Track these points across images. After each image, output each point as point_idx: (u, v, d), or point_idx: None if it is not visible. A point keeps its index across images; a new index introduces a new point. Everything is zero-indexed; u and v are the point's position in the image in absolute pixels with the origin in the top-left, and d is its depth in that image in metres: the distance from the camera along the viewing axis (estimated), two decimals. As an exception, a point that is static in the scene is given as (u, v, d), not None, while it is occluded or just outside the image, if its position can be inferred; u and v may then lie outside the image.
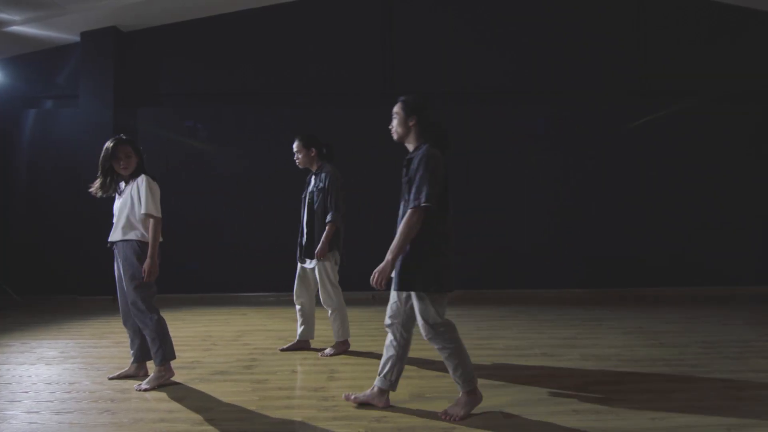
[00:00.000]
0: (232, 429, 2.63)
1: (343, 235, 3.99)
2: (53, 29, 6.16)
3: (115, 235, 3.27)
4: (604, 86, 6.69)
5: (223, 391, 3.16)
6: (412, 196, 2.63)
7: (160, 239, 3.35)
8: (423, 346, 4.15)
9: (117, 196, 3.33)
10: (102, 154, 3.24)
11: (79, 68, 6.44)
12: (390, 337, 2.89)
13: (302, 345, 4.08)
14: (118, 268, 3.31)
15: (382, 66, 6.65)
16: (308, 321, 4.06)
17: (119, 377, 3.38)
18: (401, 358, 2.87)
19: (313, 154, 3.97)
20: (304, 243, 3.96)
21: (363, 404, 2.88)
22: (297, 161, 4.02)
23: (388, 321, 2.89)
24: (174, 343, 3.73)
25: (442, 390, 3.13)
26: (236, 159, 6.53)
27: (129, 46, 6.58)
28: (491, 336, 4.46)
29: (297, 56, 6.62)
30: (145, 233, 3.24)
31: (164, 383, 3.25)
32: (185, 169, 6.51)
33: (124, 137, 3.32)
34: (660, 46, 6.71)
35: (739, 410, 2.78)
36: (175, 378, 3.36)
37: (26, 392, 3.15)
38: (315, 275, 3.91)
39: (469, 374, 2.72)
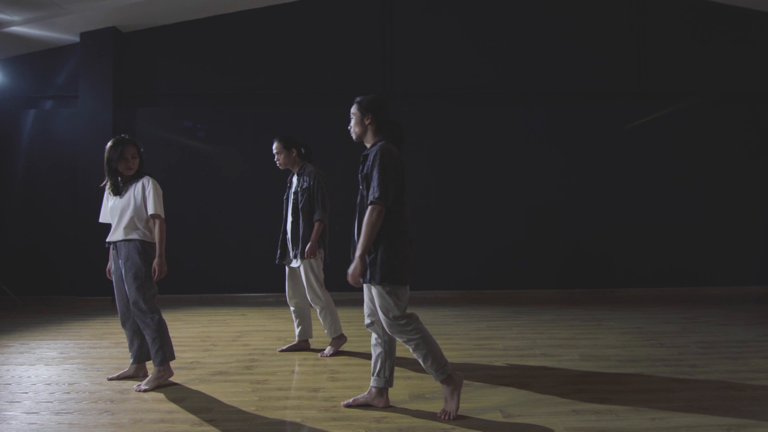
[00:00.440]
0: (231, 429, 2.63)
1: (329, 233, 4.00)
2: (53, 30, 6.16)
3: (116, 235, 3.27)
4: (601, 87, 6.70)
5: (223, 392, 3.16)
6: (370, 193, 2.68)
7: None
8: (423, 346, 4.15)
9: (111, 196, 3.32)
10: (107, 155, 3.24)
11: (78, 68, 6.44)
12: (374, 335, 2.91)
13: (302, 345, 4.08)
14: (118, 268, 3.30)
15: (381, 66, 6.66)
16: (305, 320, 4.07)
17: (119, 378, 3.38)
18: (390, 354, 2.89)
19: (293, 155, 3.98)
20: (289, 244, 3.97)
21: (363, 406, 2.88)
22: (277, 163, 4.01)
23: (367, 321, 2.91)
24: (173, 343, 3.73)
25: (442, 390, 3.13)
26: (235, 159, 6.53)
27: (128, 46, 6.59)
28: (491, 336, 4.46)
29: (296, 56, 6.63)
30: (147, 233, 3.25)
31: (163, 384, 3.25)
32: (184, 169, 6.51)
33: (127, 137, 3.32)
34: (658, 47, 6.72)
35: (738, 410, 2.78)
36: (175, 379, 3.36)
37: (26, 393, 3.15)
38: (301, 274, 3.91)
39: (440, 362, 2.73)
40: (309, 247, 3.79)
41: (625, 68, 6.70)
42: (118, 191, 3.28)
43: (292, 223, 3.94)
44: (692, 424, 2.62)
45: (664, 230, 6.57)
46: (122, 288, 3.30)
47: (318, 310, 3.93)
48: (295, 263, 3.96)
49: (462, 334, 4.54)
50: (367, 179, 2.72)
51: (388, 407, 2.85)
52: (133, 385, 3.25)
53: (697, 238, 6.56)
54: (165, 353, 3.24)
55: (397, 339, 2.78)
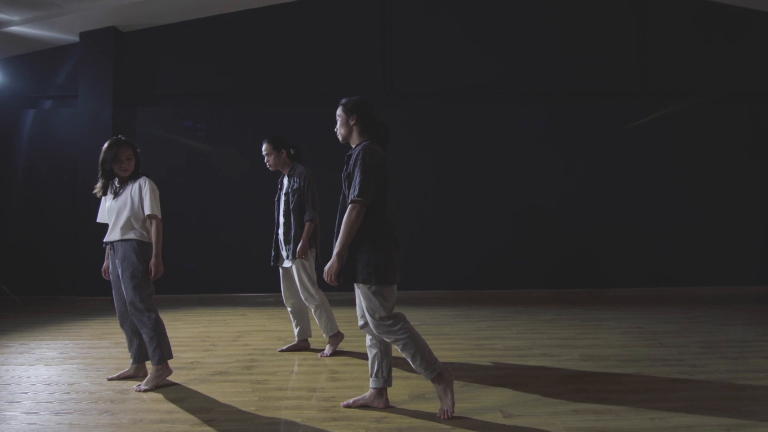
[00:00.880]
0: (231, 429, 2.63)
1: (320, 233, 4.00)
2: (52, 29, 6.16)
3: (113, 236, 3.28)
4: (601, 87, 6.70)
5: (223, 392, 3.16)
6: (350, 191, 2.69)
7: None
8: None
9: (108, 196, 3.33)
10: (102, 156, 3.25)
11: (78, 68, 6.44)
12: (368, 337, 2.90)
13: (302, 345, 4.08)
14: (115, 269, 3.31)
15: (381, 66, 6.66)
16: (302, 320, 4.07)
17: (119, 378, 3.38)
18: (386, 354, 2.89)
19: (283, 156, 3.99)
20: (281, 245, 3.97)
21: (362, 406, 2.88)
22: (267, 164, 4.02)
23: (361, 322, 2.90)
24: (173, 343, 3.73)
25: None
26: (235, 159, 6.53)
27: (128, 46, 6.59)
28: (491, 336, 4.46)
29: (296, 56, 6.63)
30: (144, 233, 3.26)
31: (163, 383, 3.25)
32: (184, 169, 6.51)
33: (124, 138, 3.32)
34: (658, 47, 6.72)
35: (738, 410, 2.78)
36: (175, 379, 3.36)
37: (25, 393, 3.15)
38: (294, 275, 3.91)
39: (429, 361, 2.72)
40: (300, 247, 3.79)
41: (625, 68, 6.70)
42: (106, 192, 3.31)
43: (284, 224, 3.95)
44: (692, 424, 2.62)
45: (664, 230, 6.57)
46: (120, 288, 3.30)
47: (312, 309, 3.93)
48: (287, 263, 3.96)
49: (462, 334, 4.54)
50: (350, 179, 2.73)
51: (387, 407, 2.85)
52: (133, 385, 3.25)
53: (697, 238, 6.56)
54: (162, 352, 3.24)
55: (386, 340, 2.78)
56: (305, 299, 3.91)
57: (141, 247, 3.24)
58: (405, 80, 6.66)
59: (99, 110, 6.34)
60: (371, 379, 2.89)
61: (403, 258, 2.88)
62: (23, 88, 6.60)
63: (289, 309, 4.07)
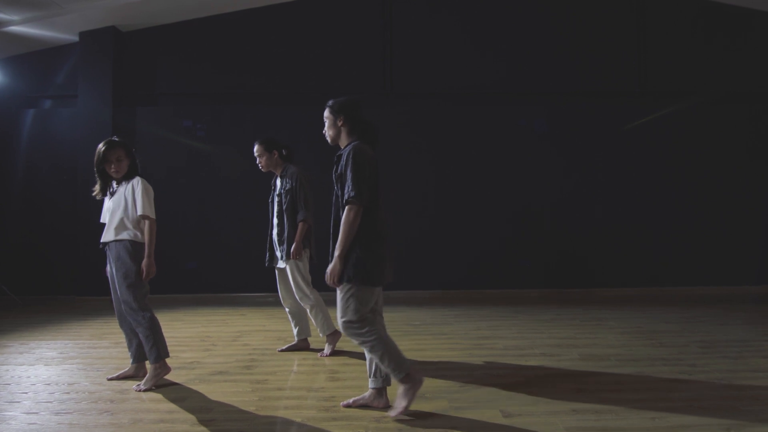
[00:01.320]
0: (231, 429, 2.62)
1: (313, 233, 3.99)
2: (52, 29, 6.16)
3: (107, 236, 3.28)
4: (601, 87, 6.70)
5: (223, 392, 3.16)
6: (345, 192, 2.67)
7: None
8: (420, 346, 4.16)
9: (108, 197, 3.34)
10: (95, 158, 3.27)
11: (77, 68, 6.44)
12: None
13: (301, 345, 4.08)
14: (111, 269, 3.31)
15: (381, 66, 6.66)
16: (301, 320, 4.07)
17: (118, 378, 3.38)
18: (387, 349, 2.85)
19: (275, 157, 3.98)
20: (276, 245, 3.97)
21: (362, 406, 2.88)
22: (260, 165, 4.02)
23: None
24: (173, 343, 3.73)
25: (443, 390, 3.13)
26: (235, 159, 6.53)
27: (128, 45, 6.58)
28: (491, 336, 4.46)
29: (296, 56, 6.63)
30: (138, 233, 3.25)
31: (161, 382, 3.25)
32: (184, 169, 6.51)
33: (116, 139, 3.33)
34: (658, 47, 6.72)
35: (738, 410, 2.78)
36: (175, 378, 3.36)
37: (25, 393, 3.15)
38: (288, 275, 3.92)
39: (398, 361, 2.69)
40: (294, 248, 3.79)
41: (625, 68, 6.70)
42: (105, 193, 3.32)
43: (278, 225, 3.95)
44: (692, 424, 2.62)
45: (664, 230, 6.57)
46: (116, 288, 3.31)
47: (308, 309, 3.93)
48: (282, 264, 3.96)
49: (462, 334, 4.54)
50: (341, 179, 2.72)
51: (388, 407, 2.85)
52: (132, 384, 3.25)
53: (697, 238, 6.56)
54: (159, 350, 3.24)
55: (353, 342, 2.74)
56: (300, 299, 3.91)
57: (134, 248, 3.23)
58: (405, 80, 6.66)
59: (99, 110, 6.34)
60: (370, 380, 2.89)
61: (394, 258, 2.86)
62: (23, 87, 6.59)
63: (287, 309, 4.07)
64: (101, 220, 3.40)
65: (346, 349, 4.08)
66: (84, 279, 6.24)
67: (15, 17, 5.82)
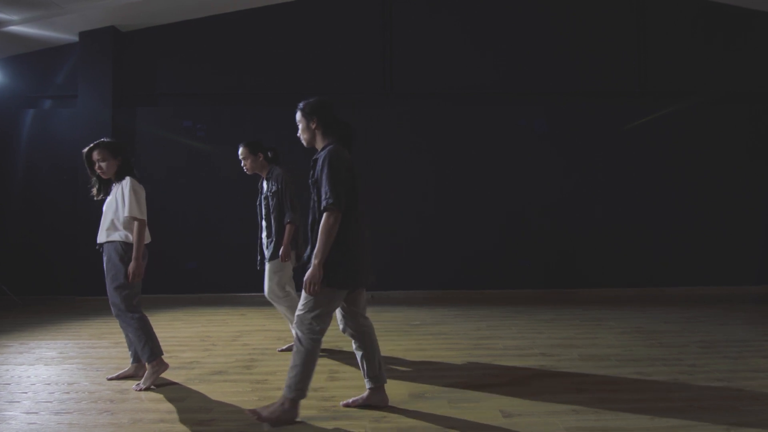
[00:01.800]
0: (231, 429, 2.63)
1: (301, 234, 3.98)
2: (52, 29, 6.15)
3: (101, 237, 3.29)
4: (601, 87, 6.70)
5: (223, 392, 3.16)
6: (322, 198, 2.62)
7: (148, 240, 3.34)
8: (420, 346, 4.16)
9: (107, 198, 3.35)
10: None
11: (77, 68, 6.44)
12: (353, 341, 2.88)
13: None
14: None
15: (381, 66, 6.66)
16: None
17: (118, 378, 3.38)
18: (373, 352, 2.87)
19: (260, 159, 3.98)
20: (265, 248, 3.94)
21: (362, 406, 2.88)
22: (245, 168, 4.01)
23: (341, 326, 2.89)
24: (173, 343, 3.73)
25: (442, 390, 3.13)
26: (235, 159, 6.50)
27: (127, 45, 6.58)
28: (491, 336, 4.46)
29: (296, 56, 6.63)
30: (129, 235, 3.23)
31: (161, 381, 3.24)
32: (184, 169, 6.51)
33: (105, 141, 3.33)
34: (658, 47, 6.72)
35: (737, 410, 2.78)
36: (175, 378, 3.36)
37: (25, 393, 3.15)
38: (266, 272, 3.87)
39: (301, 383, 2.64)
40: (282, 251, 3.78)
41: (625, 68, 6.70)
42: (100, 193, 3.33)
43: (266, 227, 3.93)
44: (691, 424, 2.62)
45: (664, 230, 6.57)
46: None
47: (283, 309, 3.88)
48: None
49: (461, 334, 4.54)
50: (318, 184, 2.67)
51: (387, 406, 2.85)
52: (132, 384, 3.25)
53: (697, 238, 6.56)
54: (152, 348, 3.22)
55: (300, 334, 2.68)
56: (272, 299, 3.87)
57: (124, 249, 3.21)
58: (405, 80, 6.66)
59: (98, 110, 6.34)
60: (365, 380, 2.89)
61: (371, 262, 2.80)
62: (23, 87, 6.59)
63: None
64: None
65: (346, 349, 4.08)
66: (84, 279, 6.24)
67: (15, 17, 5.82)
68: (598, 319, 5.05)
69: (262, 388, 3.22)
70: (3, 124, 6.53)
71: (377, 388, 2.88)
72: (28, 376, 3.45)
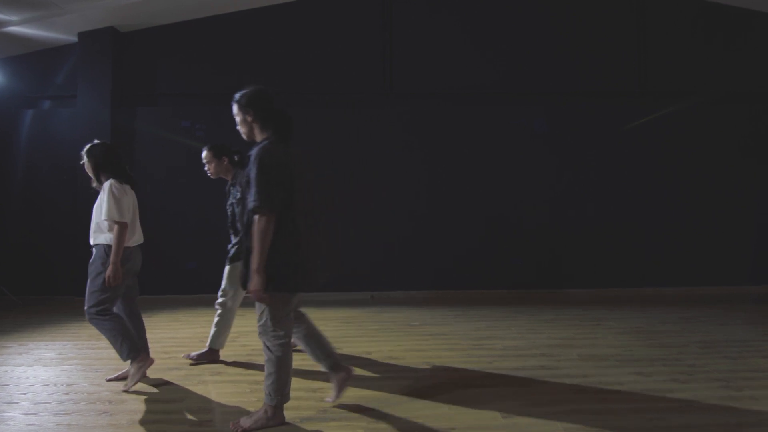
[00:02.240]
0: (230, 430, 2.62)
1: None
2: (51, 29, 6.15)
3: (90, 240, 3.28)
4: (601, 87, 6.69)
5: (222, 392, 3.16)
6: (249, 200, 2.49)
7: (138, 242, 3.32)
8: (420, 346, 4.15)
9: None
10: None
11: (76, 68, 6.43)
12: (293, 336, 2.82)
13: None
14: None
15: (381, 66, 6.65)
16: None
17: (117, 379, 3.38)
18: (319, 341, 2.87)
19: (225, 163, 3.92)
20: (231, 254, 3.81)
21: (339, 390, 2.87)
22: (209, 172, 3.95)
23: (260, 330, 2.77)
24: (172, 343, 3.73)
25: (442, 390, 3.13)
26: (234, 159, 6.51)
27: (127, 46, 6.58)
28: (490, 336, 4.46)
29: (296, 56, 6.62)
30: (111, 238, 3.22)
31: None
32: (184, 169, 6.50)
33: (89, 144, 3.32)
34: (658, 47, 6.71)
35: (737, 410, 2.78)
36: (173, 378, 3.36)
37: (24, 394, 3.15)
38: (224, 273, 3.78)
39: (280, 389, 2.62)
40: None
41: (625, 68, 6.70)
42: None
43: (234, 233, 3.82)
44: (691, 424, 2.61)
45: (665, 230, 6.57)
46: None
47: (217, 312, 3.78)
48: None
49: (461, 334, 4.53)
50: (249, 184, 2.53)
51: (351, 377, 2.89)
52: (136, 386, 3.24)
53: (697, 238, 6.55)
54: (130, 346, 3.17)
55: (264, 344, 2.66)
56: (218, 302, 3.76)
57: (107, 252, 3.18)
58: (405, 80, 6.65)
59: (98, 110, 6.34)
60: (322, 365, 2.89)
61: (315, 264, 2.69)
62: (22, 88, 6.59)
63: None
64: None
65: (345, 350, 4.07)
66: (83, 279, 6.20)
67: (14, 17, 5.81)
68: (597, 320, 5.05)
69: (261, 388, 3.21)
70: (3, 125, 6.53)
71: (334, 366, 2.87)
72: (27, 377, 3.45)
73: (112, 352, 4.02)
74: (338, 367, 2.90)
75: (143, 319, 3.54)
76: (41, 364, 3.75)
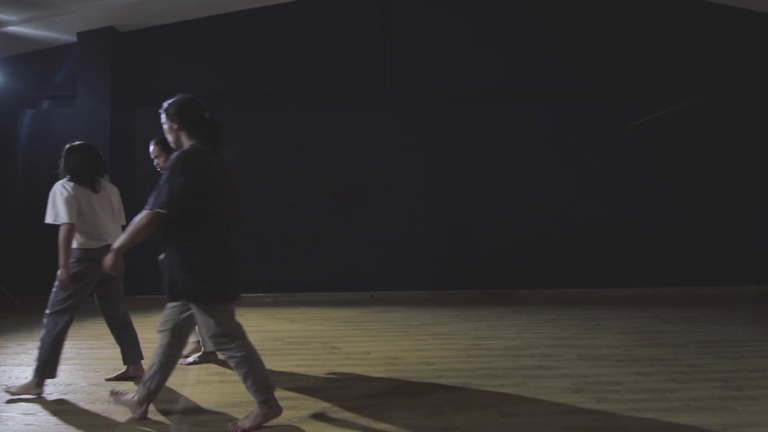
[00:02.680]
0: (229, 430, 2.62)
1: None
2: (50, 29, 6.14)
3: None
4: (601, 87, 6.69)
5: (221, 392, 3.16)
6: (150, 199, 2.49)
7: (95, 246, 3.26)
8: (419, 346, 4.15)
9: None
10: None
11: (76, 68, 6.43)
12: (159, 342, 2.75)
13: (209, 357, 3.80)
14: None
15: (381, 66, 6.65)
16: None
17: (117, 378, 3.37)
18: (165, 368, 2.71)
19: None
20: None
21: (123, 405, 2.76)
22: (157, 167, 3.94)
23: (159, 327, 2.80)
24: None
25: (442, 390, 3.13)
26: (233, 159, 6.50)
27: (126, 46, 6.58)
28: (489, 336, 4.46)
29: (296, 56, 6.62)
30: (80, 240, 3.20)
31: (26, 398, 3.03)
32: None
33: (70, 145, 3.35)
34: (658, 47, 6.71)
35: (736, 410, 2.78)
36: (172, 379, 3.34)
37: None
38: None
39: (261, 383, 2.62)
40: None
41: (625, 68, 6.70)
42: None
43: None
44: (690, 424, 2.61)
45: (664, 230, 6.57)
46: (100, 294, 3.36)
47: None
48: None
49: (460, 334, 4.53)
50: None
51: (146, 419, 2.71)
52: (131, 385, 3.24)
53: (697, 238, 6.56)
54: (44, 369, 3.03)
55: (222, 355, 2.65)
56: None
57: (76, 255, 3.20)
58: (405, 80, 6.65)
59: (97, 110, 6.34)
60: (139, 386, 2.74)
61: (236, 271, 2.67)
62: (21, 88, 6.58)
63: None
64: None
65: (345, 349, 4.07)
66: (83, 279, 6.23)
67: (13, 17, 5.81)
68: (596, 319, 5.05)
69: (260, 388, 3.21)
70: (2, 125, 6.53)
71: (142, 402, 2.71)
72: (26, 377, 3.43)
73: (112, 352, 4.03)
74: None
75: (133, 325, 3.47)
76: (40, 364, 3.75)
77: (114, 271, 2.57)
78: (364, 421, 2.70)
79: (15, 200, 6.53)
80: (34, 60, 6.57)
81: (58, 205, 3.14)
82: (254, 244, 6.39)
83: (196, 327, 3.68)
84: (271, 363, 3.74)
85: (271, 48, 6.61)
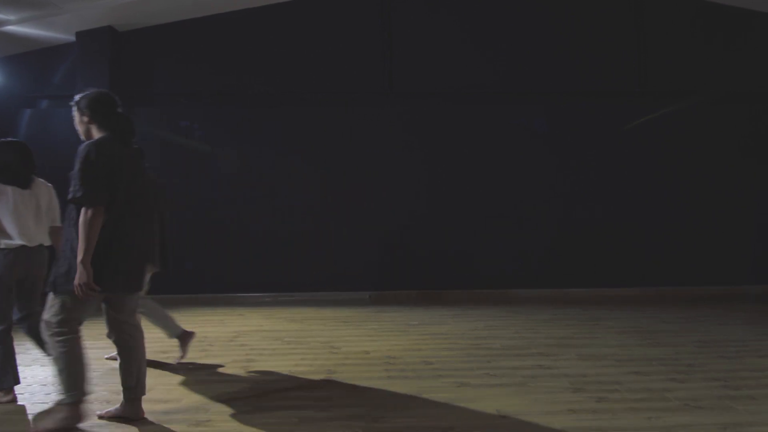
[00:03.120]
0: (229, 429, 2.62)
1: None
2: (49, 29, 6.14)
3: None
4: (601, 87, 6.69)
5: (221, 392, 3.15)
6: (70, 192, 2.47)
7: (32, 244, 3.24)
8: (418, 345, 4.15)
9: None
10: None
11: (75, 68, 6.43)
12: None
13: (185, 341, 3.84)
14: None
15: (381, 66, 6.64)
16: (163, 320, 3.87)
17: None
18: (131, 363, 2.73)
19: None
20: None
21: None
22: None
23: (108, 333, 2.80)
24: (170, 343, 3.71)
25: (440, 390, 3.13)
26: (232, 158, 6.52)
27: (125, 45, 6.57)
28: (488, 336, 4.45)
29: (295, 56, 6.61)
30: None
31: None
32: (182, 169, 6.49)
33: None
34: (658, 47, 6.71)
35: (735, 410, 2.77)
36: (172, 378, 3.34)
37: (21, 394, 3.15)
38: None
39: (70, 386, 2.53)
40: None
41: (625, 68, 6.69)
42: None
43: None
44: (689, 423, 2.61)
45: (664, 229, 6.57)
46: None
47: (147, 318, 3.74)
48: None
49: (460, 334, 4.53)
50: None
51: (141, 418, 2.71)
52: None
53: (697, 238, 6.55)
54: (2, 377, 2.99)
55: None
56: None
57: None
58: (405, 80, 6.65)
59: (97, 110, 6.32)
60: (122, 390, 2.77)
61: (138, 266, 2.66)
62: (20, 87, 6.57)
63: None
64: None
65: (344, 348, 4.07)
66: (82, 279, 6.22)
67: (12, 17, 5.80)
68: (596, 319, 5.05)
69: (260, 388, 3.21)
70: (1, 124, 6.51)
71: (131, 400, 2.73)
72: (25, 377, 3.44)
73: (111, 352, 4.02)
74: None
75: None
76: (39, 364, 3.75)
77: (89, 287, 2.44)
78: (363, 421, 2.69)
79: (14, 200, 6.52)
80: (33, 60, 6.57)
81: None
82: (254, 244, 6.40)
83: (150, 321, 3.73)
84: (270, 362, 3.74)
85: (270, 48, 6.60)
